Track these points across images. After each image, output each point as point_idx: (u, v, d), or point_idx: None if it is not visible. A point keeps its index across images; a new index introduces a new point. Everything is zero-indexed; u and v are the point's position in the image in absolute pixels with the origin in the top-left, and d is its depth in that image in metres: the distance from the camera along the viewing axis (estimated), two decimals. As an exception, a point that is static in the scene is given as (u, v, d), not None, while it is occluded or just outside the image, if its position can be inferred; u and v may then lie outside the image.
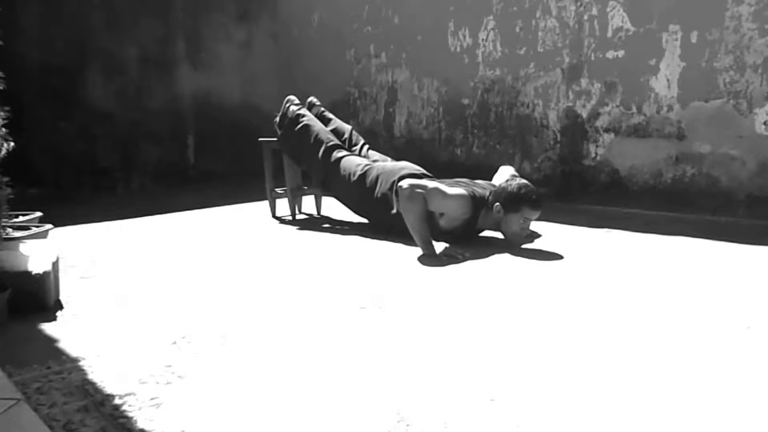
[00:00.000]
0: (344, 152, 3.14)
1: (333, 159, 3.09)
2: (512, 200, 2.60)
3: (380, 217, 2.91)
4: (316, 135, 3.18)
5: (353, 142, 3.31)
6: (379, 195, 2.88)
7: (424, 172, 2.95)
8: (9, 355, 1.51)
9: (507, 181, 2.70)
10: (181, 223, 3.33)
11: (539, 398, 1.27)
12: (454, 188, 2.64)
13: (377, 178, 2.93)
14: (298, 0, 5.32)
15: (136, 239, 2.93)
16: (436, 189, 2.58)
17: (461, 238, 2.67)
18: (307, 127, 3.21)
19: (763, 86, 3.09)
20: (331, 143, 3.15)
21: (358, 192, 2.99)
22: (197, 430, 1.16)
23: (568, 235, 2.92)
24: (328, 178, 3.14)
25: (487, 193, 2.72)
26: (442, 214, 2.65)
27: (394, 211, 2.75)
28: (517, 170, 3.23)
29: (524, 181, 2.68)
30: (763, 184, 3.13)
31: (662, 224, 3.08)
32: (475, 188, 2.72)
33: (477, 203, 2.66)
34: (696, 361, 1.45)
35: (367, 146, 3.32)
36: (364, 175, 2.97)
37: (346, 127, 3.39)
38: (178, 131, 4.92)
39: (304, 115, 3.27)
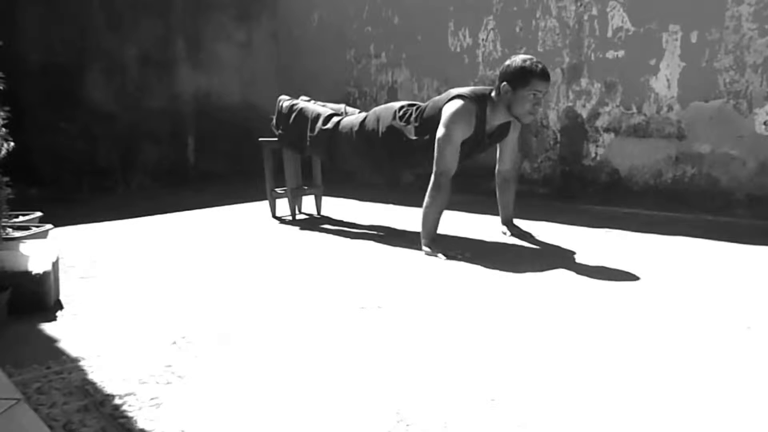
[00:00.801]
0: (341, 117, 3.14)
1: (332, 125, 3.09)
2: (519, 74, 2.51)
3: (393, 153, 2.86)
4: (312, 111, 3.20)
5: (348, 113, 3.30)
6: (384, 130, 2.84)
7: (418, 104, 2.90)
8: (9, 355, 1.51)
9: (509, 59, 2.60)
10: (181, 223, 3.33)
11: (540, 398, 1.27)
12: (452, 116, 2.55)
13: (376, 118, 2.91)
14: (298, 0, 5.32)
15: (136, 239, 2.93)
16: (446, 140, 2.54)
17: (480, 148, 2.65)
18: (302, 110, 3.23)
19: (763, 86, 3.09)
20: (328, 113, 3.16)
21: (363, 141, 2.94)
22: (197, 430, 1.16)
23: (568, 235, 2.92)
24: (332, 145, 3.10)
25: (488, 91, 2.64)
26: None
27: (413, 136, 2.71)
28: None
29: (526, 55, 2.60)
30: (763, 184, 3.13)
31: (662, 224, 3.08)
32: (473, 91, 2.64)
33: (479, 100, 2.60)
34: (696, 361, 1.45)
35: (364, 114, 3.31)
36: (363, 123, 2.96)
37: (340, 105, 3.38)
38: (178, 131, 4.92)
39: (296, 103, 3.30)
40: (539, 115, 3.90)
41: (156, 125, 4.76)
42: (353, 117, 3.08)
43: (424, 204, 2.59)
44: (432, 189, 2.58)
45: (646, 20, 3.44)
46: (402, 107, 2.87)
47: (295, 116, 3.23)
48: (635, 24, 3.48)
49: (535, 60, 2.54)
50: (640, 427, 1.15)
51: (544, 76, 2.51)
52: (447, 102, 2.62)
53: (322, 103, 3.35)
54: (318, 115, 3.16)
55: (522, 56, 2.57)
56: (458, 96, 2.61)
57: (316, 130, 3.13)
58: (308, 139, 3.19)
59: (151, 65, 4.71)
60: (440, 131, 2.56)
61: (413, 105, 2.88)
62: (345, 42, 4.98)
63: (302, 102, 3.32)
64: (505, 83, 2.54)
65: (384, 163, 3.02)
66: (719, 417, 1.19)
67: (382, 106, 3.03)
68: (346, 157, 3.12)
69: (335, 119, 3.11)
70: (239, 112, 5.16)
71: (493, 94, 2.62)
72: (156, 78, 4.76)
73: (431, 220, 2.58)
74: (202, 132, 5.01)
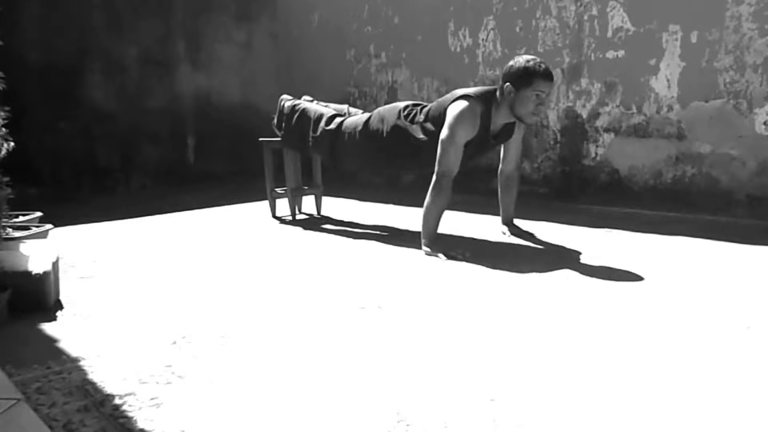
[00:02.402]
0: (344, 118, 3.13)
1: (335, 125, 3.08)
2: (521, 75, 2.50)
3: (397, 153, 2.86)
4: (315, 111, 3.19)
5: (351, 114, 3.30)
6: (388, 130, 2.83)
7: (422, 104, 2.90)
8: (9, 355, 1.51)
9: (513, 60, 2.60)
10: (181, 223, 3.33)
11: (539, 398, 1.27)
12: (455, 117, 2.55)
13: (380, 118, 2.90)
14: (298, 0, 5.32)
15: (136, 239, 2.93)
16: (449, 141, 2.54)
17: (486, 148, 2.65)
18: (304, 110, 3.23)
19: (763, 86, 3.09)
20: (331, 113, 3.16)
21: (367, 141, 2.94)
22: (197, 430, 1.16)
23: (568, 235, 2.91)
24: (335, 146, 3.09)
25: (492, 90, 2.64)
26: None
27: (419, 135, 2.70)
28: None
29: (530, 56, 2.59)
30: (763, 184, 3.13)
31: (662, 224, 3.08)
32: (477, 91, 2.64)
33: (485, 101, 2.59)
34: (696, 361, 1.45)
35: (367, 114, 3.31)
36: (367, 123, 2.95)
37: (343, 106, 3.38)
38: (178, 131, 4.92)
39: (298, 103, 3.30)
40: (542, 116, 3.89)
41: (156, 125, 4.76)
42: (356, 117, 3.07)
43: (425, 204, 2.59)
44: (433, 189, 2.57)
45: (646, 20, 3.44)
46: (407, 107, 2.87)
47: (298, 116, 3.23)
48: (635, 24, 3.48)
49: (538, 60, 2.53)
50: (640, 427, 1.15)
51: (547, 76, 2.50)
52: (452, 102, 2.62)
53: (324, 104, 3.35)
54: (321, 116, 3.16)
55: (525, 56, 2.57)
56: (463, 96, 2.61)
57: (319, 130, 3.12)
58: (311, 139, 3.19)
59: (151, 65, 4.71)
60: (444, 132, 2.56)
61: (418, 105, 2.88)
62: (345, 42, 4.98)
63: (304, 102, 3.32)
64: (508, 84, 2.54)
65: (388, 163, 3.02)
66: (719, 417, 1.19)
67: (386, 106, 3.03)
68: (349, 157, 3.11)
69: (338, 120, 3.10)
70: (239, 112, 5.16)
71: (497, 93, 2.62)
72: (156, 78, 4.76)
73: (432, 221, 2.58)
74: (202, 132, 5.01)
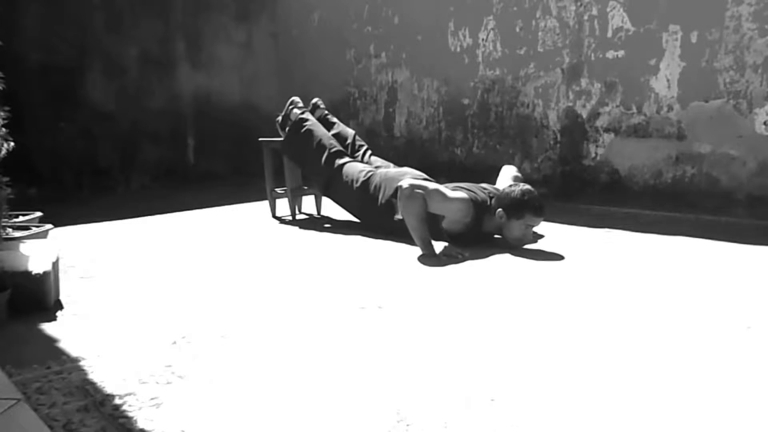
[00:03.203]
0: (347, 158, 3.15)
1: (336, 165, 3.10)
2: (515, 206, 2.58)
3: (383, 223, 2.90)
4: (319, 140, 3.18)
5: (356, 147, 3.31)
6: (383, 201, 2.88)
7: (427, 177, 2.94)
8: (9, 355, 1.51)
9: (510, 186, 2.69)
10: (181, 223, 3.33)
11: (539, 398, 1.27)
12: (455, 192, 2.64)
13: (380, 184, 2.92)
14: (298, 0, 5.32)
15: (136, 239, 2.93)
16: (436, 191, 2.58)
17: (471, 242, 2.65)
18: (310, 132, 3.21)
19: (763, 86, 3.09)
20: (334, 149, 3.15)
21: (361, 198, 2.99)
22: (197, 430, 1.16)
23: (568, 235, 2.91)
24: (330, 184, 3.14)
25: (489, 198, 2.71)
26: (444, 217, 2.64)
27: (399, 216, 2.70)
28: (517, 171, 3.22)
29: (527, 186, 2.65)
30: (763, 184, 3.13)
31: (662, 224, 3.08)
32: (477, 192, 2.71)
33: (479, 207, 2.65)
34: (696, 361, 1.45)
35: (369, 152, 3.32)
36: (366, 182, 2.97)
37: (350, 132, 3.38)
38: (178, 131, 4.92)
39: (307, 120, 3.26)
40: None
41: (156, 125, 4.76)
42: (358, 167, 3.07)
43: (405, 219, 2.60)
44: (399, 202, 2.61)
45: (646, 20, 3.44)
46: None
47: (302, 135, 3.21)
48: (635, 24, 3.48)
49: (534, 194, 2.60)
50: (640, 427, 1.15)
51: (539, 212, 2.59)
52: (452, 189, 2.67)
53: (331, 124, 3.34)
54: (323, 149, 3.14)
55: (524, 188, 2.62)
56: (465, 192, 2.66)
57: (319, 164, 3.14)
58: (307, 168, 3.25)
59: (151, 65, 4.71)
60: (440, 193, 2.58)
61: (418, 179, 2.86)
62: (345, 42, 4.98)
63: (311, 121, 3.27)
64: (500, 210, 2.61)
65: (374, 223, 3.01)
66: (719, 417, 1.19)
67: (392, 171, 3.03)
68: (341, 200, 3.17)
69: (339, 162, 3.10)
70: (239, 112, 5.16)
71: (492, 202, 2.67)
72: (156, 78, 4.76)
73: (417, 228, 2.57)
74: (202, 132, 5.01)
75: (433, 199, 2.56)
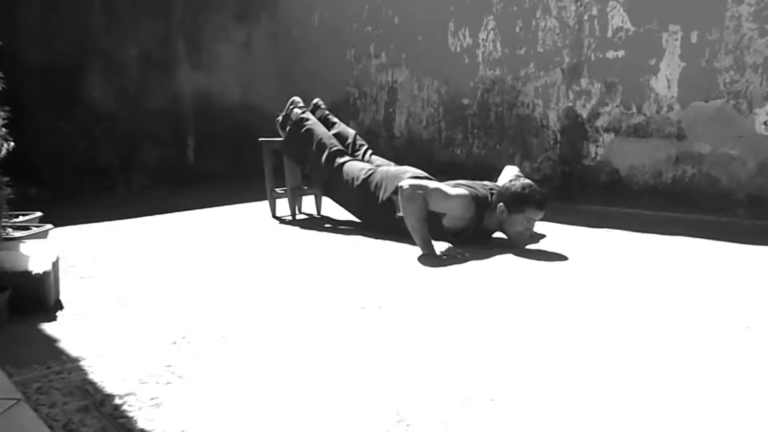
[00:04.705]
0: (347, 158, 3.14)
1: (336, 164, 3.10)
2: (516, 200, 2.58)
3: (383, 221, 2.90)
4: (320, 140, 3.18)
5: (356, 147, 3.31)
6: (384, 199, 2.87)
7: (428, 175, 2.94)
8: (9, 355, 1.51)
9: (511, 181, 2.68)
10: (181, 223, 3.33)
11: (539, 398, 1.27)
12: (455, 189, 2.64)
13: (381, 183, 2.92)
14: (298, 0, 5.32)
15: (136, 239, 2.93)
16: (437, 189, 2.58)
17: (471, 240, 2.65)
18: (310, 132, 3.21)
19: (763, 86, 3.09)
20: (335, 148, 3.15)
21: (361, 197, 2.99)
22: (197, 430, 1.16)
23: (568, 235, 2.91)
24: (330, 183, 3.14)
25: (490, 194, 2.71)
26: (445, 215, 2.64)
27: (400, 214, 2.70)
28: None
29: (528, 181, 2.65)
30: (763, 184, 3.13)
31: (662, 224, 3.08)
32: (477, 189, 2.71)
33: (480, 204, 2.65)
34: (696, 361, 1.45)
35: (370, 151, 3.32)
36: (367, 180, 2.97)
37: (350, 132, 3.38)
38: (178, 131, 4.92)
39: (307, 119, 3.26)
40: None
41: (156, 125, 4.76)
42: (359, 166, 3.07)
43: (405, 219, 2.59)
44: (401, 202, 2.60)
45: (646, 20, 3.43)
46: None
47: (302, 135, 3.21)
48: (635, 24, 3.48)
49: (534, 188, 2.59)
50: (640, 427, 1.15)
51: (540, 206, 2.58)
52: (453, 186, 2.66)
53: (332, 124, 3.34)
54: (323, 147, 3.15)
55: (524, 182, 2.62)
56: (466, 188, 2.65)
57: (319, 163, 3.14)
58: (308, 167, 3.24)
59: (151, 65, 4.71)
60: (440, 191, 2.58)
61: (419, 177, 2.86)
62: (345, 42, 4.98)
63: (312, 121, 3.27)
64: (501, 204, 2.60)
65: (375, 222, 3.01)
66: (719, 417, 1.19)
67: (393, 169, 3.03)
68: (341, 199, 3.17)
69: (339, 161, 3.10)
70: (239, 112, 5.16)
71: (493, 198, 2.67)
72: (156, 78, 4.76)
73: (417, 228, 2.57)
74: (202, 132, 5.01)
75: (434, 197, 2.56)
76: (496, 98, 4.10)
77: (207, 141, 5.03)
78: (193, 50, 4.95)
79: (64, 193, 4.14)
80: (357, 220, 3.18)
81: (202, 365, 1.45)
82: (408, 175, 2.87)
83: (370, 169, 3.02)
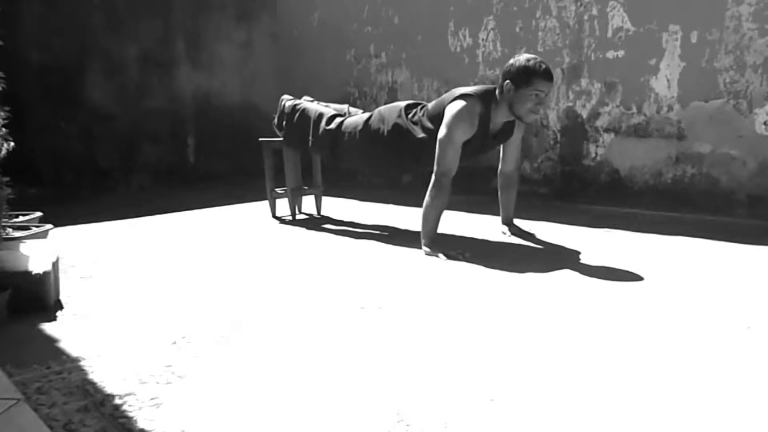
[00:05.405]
0: (344, 118, 3.13)
1: (335, 125, 3.09)
2: (522, 73, 2.50)
3: (394, 156, 2.87)
4: (316, 111, 3.20)
5: (352, 114, 3.29)
6: (389, 128, 2.83)
7: (424, 103, 2.90)
8: (9, 355, 1.51)
9: (513, 58, 2.60)
10: (181, 223, 3.33)
11: (539, 398, 1.27)
12: (455, 117, 2.55)
13: (381, 118, 2.90)
14: (298, 0, 5.32)
15: (137, 239, 2.93)
16: (448, 138, 2.54)
17: (487, 145, 2.63)
18: (305, 110, 3.23)
19: (763, 86, 3.09)
20: (332, 113, 3.17)
21: (367, 140, 2.94)
22: (197, 430, 1.16)
23: (568, 235, 2.91)
24: (334, 144, 3.10)
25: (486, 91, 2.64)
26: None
27: (420, 134, 2.69)
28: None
29: (530, 54, 2.60)
30: (763, 184, 3.13)
31: (662, 224, 3.08)
32: (476, 89, 2.64)
33: (483, 99, 2.59)
34: (696, 361, 1.45)
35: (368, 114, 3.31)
36: (367, 122, 2.95)
37: (343, 105, 3.38)
38: (178, 131, 4.92)
39: (299, 103, 3.31)
40: (541, 115, 3.89)
41: (156, 125, 4.76)
42: (357, 117, 3.08)
43: (424, 204, 2.59)
44: (432, 189, 2.57)
45: (646, 20, 3.44)
46: (407, 106, 2.87)
47: (298, 116, 3.23)
48: (635, 24, 3.48)
49: (538, 59, 2.53)
50: (640, 427, 1.15)
51: (546, 75, 2.50)
52: (451, 101, 2.62)
53: (325, 104, 3.35)
54: (321, 115, 3.16)
55: (526, 55, 2.57)
56: (462, 96, 2.61)
57: (320, 130, 3.13)
58: (311, 139, 3.19)
59: (151, 65, 4.71)
60: (442, 131, 2.56)
61: (418, 104, 2.88)
62: (345, 42, 4.98)
63: (305, 102, 3.32)
64: (507, 81, 2.54)
65: (389, 162, 3.01)
66: (719, 417, 1.19)
67: (387, 106, 3.03)
68: (350, 156, 3.11)
69: (338, 120, 3.11)
70: (239, 112, 5.16)
71: (497, 92, 2.62)
72: (156, 78, 4.76)
73: (431, 221, 2.58)
74: (202, 132, 5.01)
75: (451, 141, 2.53)
76: (496, 98, 4.10)
77: (207, 141, 5.03)
78: (193, 50, 4.95)
79: (64, 193, 4.14)
80: (356, 216, 3.16)
81: (202, 365, 1.45)
82: (407, 102, 2.90)
83: (367, 115, 3.02)
